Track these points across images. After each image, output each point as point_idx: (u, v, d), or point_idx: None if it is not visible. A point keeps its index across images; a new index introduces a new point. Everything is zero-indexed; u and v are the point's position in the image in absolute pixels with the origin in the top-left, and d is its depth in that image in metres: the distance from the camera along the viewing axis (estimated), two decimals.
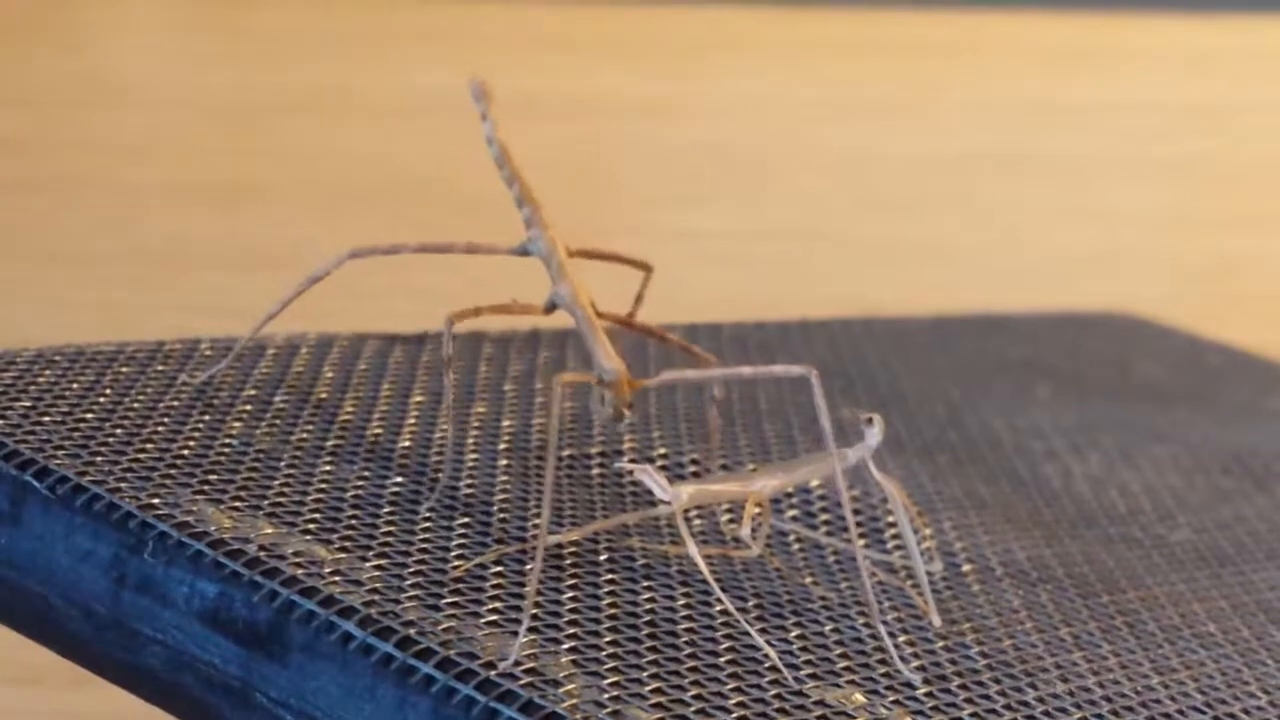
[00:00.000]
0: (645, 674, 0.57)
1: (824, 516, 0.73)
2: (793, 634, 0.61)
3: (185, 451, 0.66)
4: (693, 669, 0.57)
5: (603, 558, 0.64)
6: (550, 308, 0.70)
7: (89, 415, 0.67)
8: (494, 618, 0.58)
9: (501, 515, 0.65)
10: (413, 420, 0.72)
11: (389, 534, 0.62)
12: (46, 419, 0.66)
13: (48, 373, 0.71)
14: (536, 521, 0.66)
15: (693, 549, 0.60)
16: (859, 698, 0.58)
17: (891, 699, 0.59)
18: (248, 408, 0.71)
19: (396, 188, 2.08)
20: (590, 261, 0.74)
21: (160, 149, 2.18)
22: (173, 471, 0.64)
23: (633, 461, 0.73)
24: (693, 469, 0.75)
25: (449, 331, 0.67)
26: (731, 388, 0.83)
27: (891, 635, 0.63)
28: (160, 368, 0.73)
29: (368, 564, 0.60)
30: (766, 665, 0.59)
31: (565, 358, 0.85)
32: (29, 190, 2.09)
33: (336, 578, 0.58)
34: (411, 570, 0.60)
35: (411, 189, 2.08)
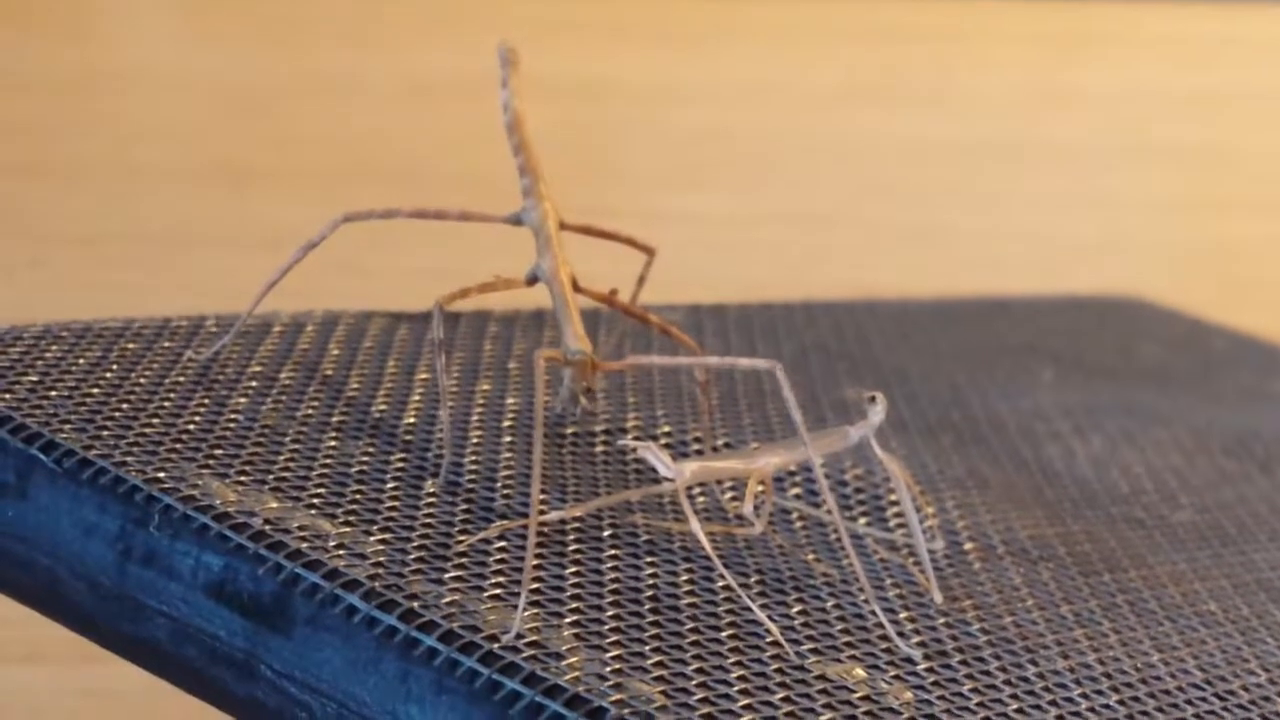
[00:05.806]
0: (648, 648, 0.57)
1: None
2: (794, 609, 0.62)
3: (191, 426, 0.66)
4: (695, 643, 0.58)
5: (606, 534, 0.64)
6: (531, 280, 0.69)
7: (95, 390, 0.68)
8: (497, 591, 0.58)
9: (505, 491, 0.66)
10: (418, 397, 0.72)
11: (393, 509, 0.63)
12: (53, 394, 0.67)
13: (54, 348, 0.71)
14: (540, 497, 0.66)
15: (695, 525, 0.61)
16: (860, 672, 0.58)
17: (892, 674, 0.59)
18: (253, 384, 0.71)
19: (401, 171, 2.08)
20: (601, 241, 0.74)
21: (166, 131, 2.18)
22: (178, 446, 0.64)
23: (636, 439, 0.74)
24: (696, 446, 0.75)
25: (439, 315, 0.66)
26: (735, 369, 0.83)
27: (892, 611, 0.63)
28: (166, 344, 0.73)
29: (372, 538, 0.60)
30: (768, 640, 0.59)
31: None
32: (36, 173, 2.09)
33: (341, 551, 0.59)
34: (416, 544, 0.60)
35: (416, 173, 2.08)
